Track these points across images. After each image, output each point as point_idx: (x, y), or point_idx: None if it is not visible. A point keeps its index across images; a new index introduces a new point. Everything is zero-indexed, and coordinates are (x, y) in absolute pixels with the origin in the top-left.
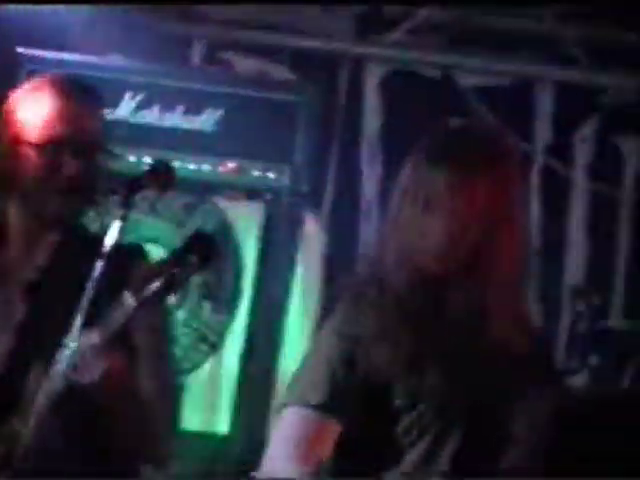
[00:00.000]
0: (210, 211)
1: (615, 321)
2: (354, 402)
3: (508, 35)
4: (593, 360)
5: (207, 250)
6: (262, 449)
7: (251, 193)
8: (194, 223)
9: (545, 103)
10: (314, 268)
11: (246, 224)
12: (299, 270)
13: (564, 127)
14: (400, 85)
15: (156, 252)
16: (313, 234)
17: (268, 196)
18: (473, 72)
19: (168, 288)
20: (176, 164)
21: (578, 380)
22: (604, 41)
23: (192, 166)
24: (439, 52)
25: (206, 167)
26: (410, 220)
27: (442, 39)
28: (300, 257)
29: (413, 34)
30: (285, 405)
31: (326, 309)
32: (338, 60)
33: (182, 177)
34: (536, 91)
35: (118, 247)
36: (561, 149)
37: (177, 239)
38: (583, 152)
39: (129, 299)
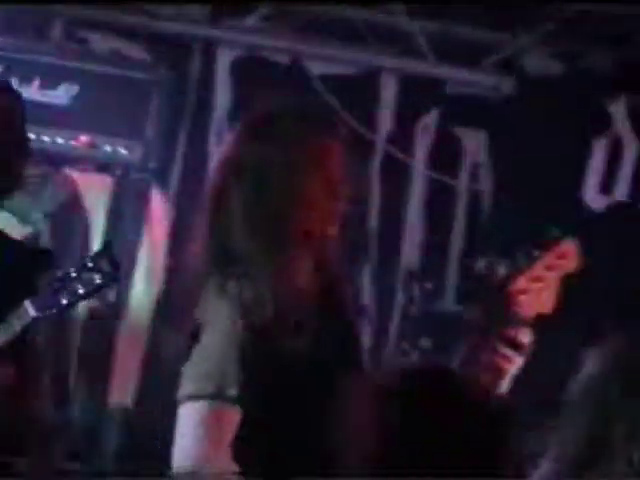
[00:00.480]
0: (62, 182)
1: (447, 305)
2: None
3: (357, 25)
4: (424, 343)
5: (109, 268)
6: None
7: (102, 167)
8: (47, 193)
9: (389, 93)
10: (159, 243)
11: (96, 196)
12: (145, 244)
13: (406, 117)
14: (250, 69)
15: (10, 221)
16: (160, 209)
17: (118, 171)
18: (322, 60)
19: (69, 305)
20: (31, 136)
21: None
22: (449, 36)
23: (46, 138)
24: (290, 39)
25: (60, 140)
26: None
27: (294, 27)
28: (146, 230)
29: (267, 20)
30: (189, 398)
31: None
32: (192, 42)
33: (37, 149)
34: (381, 81)
35: (24, 251)
36: (402, 138)
37: (32, 209)
38: (423, 141)
39: (29, 308)
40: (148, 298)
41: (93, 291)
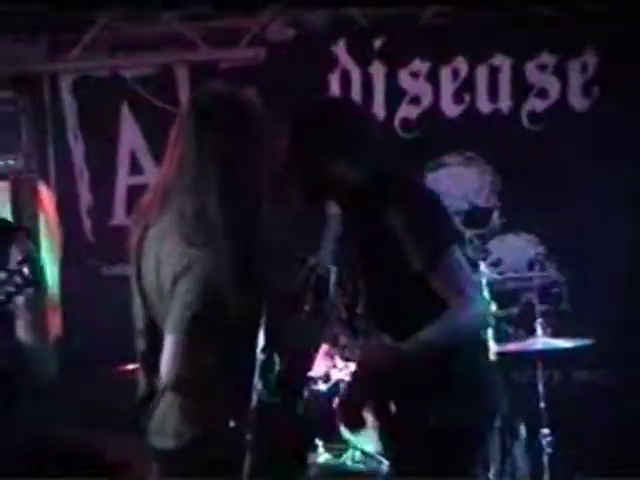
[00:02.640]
0: None
1: None
2: None
3: (151, 36)
4: None
5: (32, 273)
6: None
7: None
8: None
9: (183, 77)
10: (53, 217)
11: (3, 199)
12: (42, 220)
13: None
14: (84, 85)
15: None
16: (47, 196)
17: (11, 176)
18: (131, 67)
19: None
20: None
21: None
22: (212, 29)
23: None
24: (108, 57)
25: None
26: None
27: (107, 47)
28: (42, 211)
29: (88, 48)
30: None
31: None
32: (40, 77)
33: None
34: (175, 70)
35: None
36: None
37: None
38: None
39: None
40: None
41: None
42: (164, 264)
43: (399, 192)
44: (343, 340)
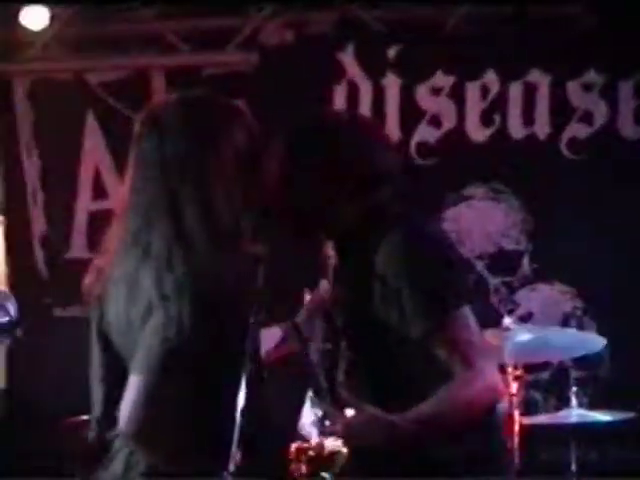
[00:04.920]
0: None
1: None
2: None
3: (122, 35)
4: None
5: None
6: None
7: None
8: None
9: (159, 84)
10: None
11: None
12: None
13: None
14: (42, 90)
15: None
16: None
17: None
18: (98, 71)
19: None
20: None
21: None
22: (196, 29)
23: None
24: (69, 59)
25: None
26: None
27: (72, 48)
28: None
29: (48, 47)
30: None
31: None
32: None
33: None
34: (150, 76)
35: None
36: None
37: None
38: None
39: None
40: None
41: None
42: (133, 299)
43: (402, 237)
44: (321, 410)
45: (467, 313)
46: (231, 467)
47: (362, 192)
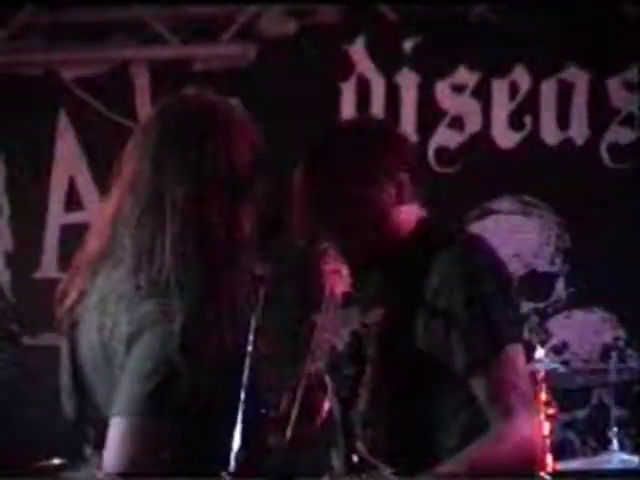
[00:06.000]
0: None
1: None
2: None
3: (101, 25)
4: None
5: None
6: None
7: None
8: None
9: (143, 80)
10: None
11: None
12: None
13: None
14: (8, 87)
15: None
16: None
17: None
18: (72, 64)
19: None
20: None
21: None
22: (185, 18)
23: None
24: (39, 51)
25: None
26: None
27: (42, 39)
28: None
29: (14, 39)
30: None
31: None
32: None
33: None
34: (132, 71)
35: None
36: None
37: None
38: None
39: None
40: None
41: None
42: (112, 328)
43: (458, 256)
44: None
45: (519, 351)
46: None
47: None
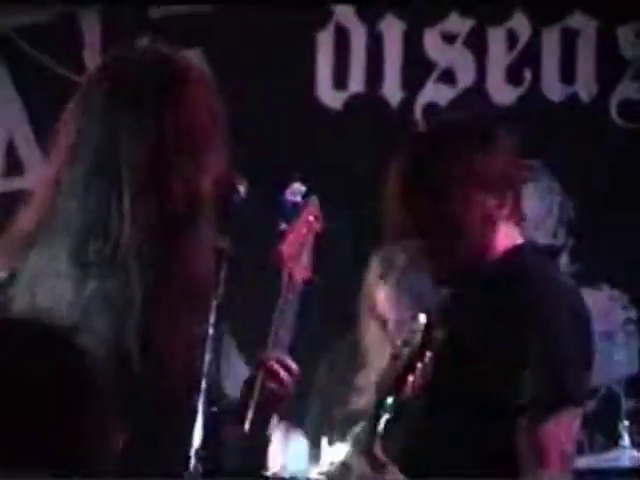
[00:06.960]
0: None
1: None
2: None
3: None
4: None
5: None
6: None
7: None
8: None
9: (93, 33)
10: None
11: None
12: None
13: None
14: None
15: None
16: None
17: None
18: (10, 12)
19: None
20: None
21: None
22: None
23: None
24: None
25: None
26: None
27: None
28: None
29: None
30: None
31: None
32: None
33: None
34: (80, 20)
35: None
36: None
37: None
38: None
39: None
40: None
41: None
42: (48, 311)
43: (540, 290)
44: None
45: (578, 415)
46: None
47: None
